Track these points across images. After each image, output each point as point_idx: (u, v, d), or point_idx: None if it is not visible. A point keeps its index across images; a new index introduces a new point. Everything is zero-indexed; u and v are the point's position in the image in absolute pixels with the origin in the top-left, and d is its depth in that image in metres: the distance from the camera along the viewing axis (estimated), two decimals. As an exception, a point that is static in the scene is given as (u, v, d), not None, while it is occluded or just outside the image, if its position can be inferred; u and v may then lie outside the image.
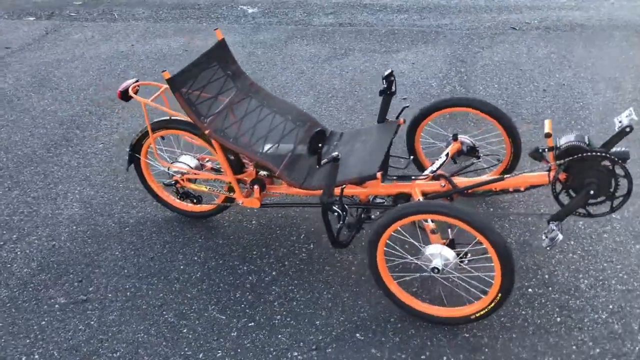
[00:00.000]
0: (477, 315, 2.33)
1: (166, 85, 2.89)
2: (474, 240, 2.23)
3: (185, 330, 2.52)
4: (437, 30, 5.37)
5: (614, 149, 2.30)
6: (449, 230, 2.38)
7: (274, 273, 2.79)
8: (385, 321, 2.49)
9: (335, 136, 2.95)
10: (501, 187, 2.58)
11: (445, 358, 2.31)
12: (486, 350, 2.32)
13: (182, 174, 2.95)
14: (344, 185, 2.57)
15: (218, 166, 3.02)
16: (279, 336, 2.46)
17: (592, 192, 2.31)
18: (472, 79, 4.37)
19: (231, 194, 2.93)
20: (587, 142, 2.34)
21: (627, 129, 2.26)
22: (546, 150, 2.44)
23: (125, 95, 2.85)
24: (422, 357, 2.32)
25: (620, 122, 2.31)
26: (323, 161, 2.44)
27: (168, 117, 2.85)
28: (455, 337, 2.38)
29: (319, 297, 2.64)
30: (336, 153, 2.37)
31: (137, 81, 2.90)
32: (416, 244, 2.47)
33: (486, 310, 2.29)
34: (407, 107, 3.03)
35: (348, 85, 4.47)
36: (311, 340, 2.43)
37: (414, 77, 4.50)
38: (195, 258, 2.92)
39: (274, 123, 2.85)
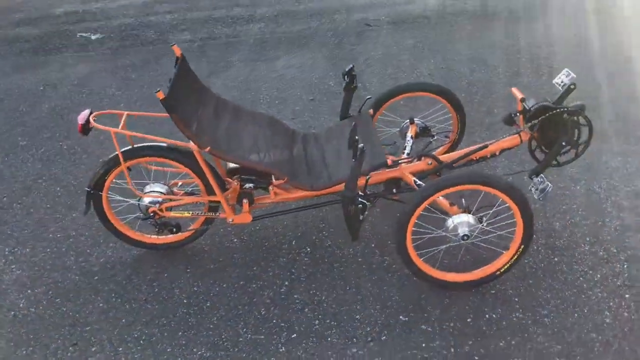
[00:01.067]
0: (502, 270, 2.56)
1: (127, 112, 2.69)
2: (483, 204, 2.46)
3: (231, 360, 2.39)
4: (301, 34, 5.57)
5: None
6: (462, 199, 2.58)
7: (286, 283, 2.74)
8: (418, 299, 2.61)
9: (309, 137, 2.98)
10: (481, 155, 2.85)
11: (486, 315, 2.50)
12: (515, 299, 2.57)
13: (159, 203, 2.74)
14: (368, 177, 2.63)
15: (191, 189, 2.86)
16: (329, 339, 2.45)
17: (564, 143, 2.68)
18: (363, 73, 4.64)
19: (217, 214, 2.81)
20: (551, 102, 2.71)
21: (572, 87, 2.67)
22: (517, 114, 2.76)
23: (86, 128, 2.57)
24: (468, 319, 2.50)
25: (561, 81, 2.71)
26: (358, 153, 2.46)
27: (138, 145, 2.64)
28: (484, 296, 2.59)
29: (344, 293, 2.66)
30: (361, 145, 2.43)
31: (91, 112, 2.63)
32: (437, 216, 2.63)
33: (510, 263, 2.54)
34: (369, 98, 3.16)
35: (248, 94, 4.46)
36: (362, 334, 2.46)
37: (309, 79, 4.64)
38: (195, 288, 2.74)
39: (255, 132, 2.80)
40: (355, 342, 2.43)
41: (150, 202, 2.74)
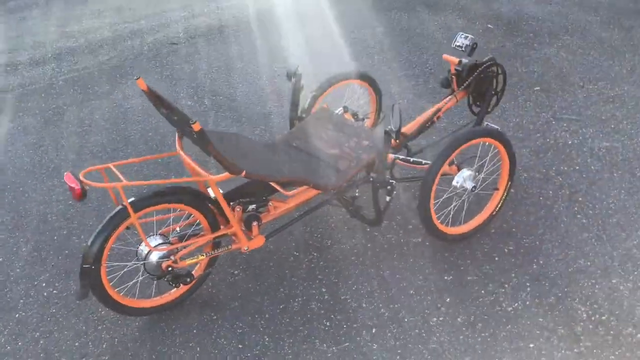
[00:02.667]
0: (497, 209, 2.92)
1: (113, 163, 2.33)
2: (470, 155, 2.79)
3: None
4: (113, 65, 5.13)
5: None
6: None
7: (323, 289, 2.68)
8: (455, 262, 2.81)
9: (285, 143, 2.91)
10: (433, 121, 3.15)
11: (505, 248, 2.84)
12: (517, 233, 2.95)
13: (172, 254, 2.42)
14: (395, 160, 2.70)
15: (192, 231, 2.58)
16: (410, 332, 2.49)
17: (492, 92, 3.14)
18: (222, 87, 4.54)
19: (229, 247, 2.59)
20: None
21: (475, 45, 3.15)
22: (452, 77, 3.13)
23: (83, 190, 2.15)
24: (495, 258, 2.80)
25: (460, 44, 3.16)
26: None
27: (145, 193, 2.30)
28: (491, 234, 2.92)
29: (385, 286, 2.72)
30: (389, 127, 2.50)
31: (71, 171, 2.21)
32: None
33: (503, 200, 2.91)
34: (314, 94, 3.19)
35: (117, 134, 4.01)
36: (441, 320, 2.53)
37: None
38: (225, 332, 2.50)
39: (256, 150, 2.65)
40: (441, 329, 2.50)
41: (160, 258, 2.40)
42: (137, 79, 2.35)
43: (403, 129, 3.04)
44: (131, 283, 2.62)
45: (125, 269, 2.67)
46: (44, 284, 2.80)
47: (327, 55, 4.99)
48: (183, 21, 6.03)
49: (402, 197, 3.23)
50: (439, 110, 3.08)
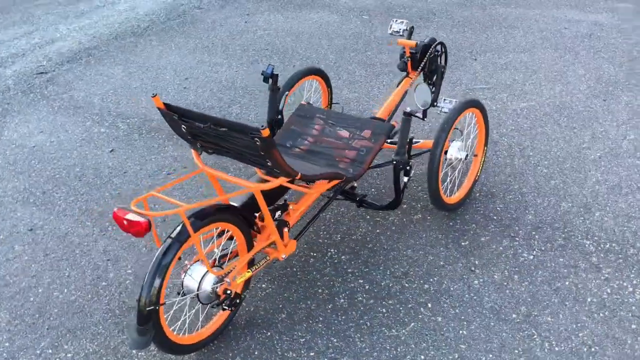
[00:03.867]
0: (478, 173, 3.14)
1: (154, 191, 2.11)
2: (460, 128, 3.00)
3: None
4: (32, 87, 4.46)
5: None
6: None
7: (357, 288, 2.66)
8: (463, 229, 2.96)
9: (284, 138, 2.82)
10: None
11: (496, 207, 3.07)
12: (498, 193, 3.20)
13: (226, 275, 2.25)
14: (412, 142, 2.74)
15: (222, 252, 2.41)
16: (462, 299, 2.60)
17: (442, 70, 3.37)
18: (130, 108, 4.19)
19: (268, 259, 2.47)
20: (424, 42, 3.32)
21: (412, 28, 3.38)
22: (407, 59, 3.29)
23: (150, 223, 1.93)
24: (493, 217, 3.01)
25: (399, 29, 3.38)
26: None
27: (201, 209, 2.12)
28: (478, 198, 3.14)
29: (415, 263, 2.78)
30: (408, 109, 2.55)
31: (120, 208, 1.96)
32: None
33: (482, 164, 3.14)
34: (287, 94, 3.13)
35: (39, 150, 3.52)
36: (482, 281, 2.66)
37: (80, 135, 3.92)
38: (288, 345, 2.39)
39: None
40: (467, 274, 2.65)
41: (214, 283, 2.21)
42: (153, 96, 2.13)
43: (378, 114, 3.13)
44: (181, 319, 2.35)
45: (176, 305, 2.40)
46: (50, 351, 2.39)
47: (210, 63, 4.87)
48: (38, 49, 5.44)
49: (379, 182, 3.31)
50: (405, 92, 3.22)
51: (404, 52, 3.29)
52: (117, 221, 1.94)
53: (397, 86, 3.28)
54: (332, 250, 2.85)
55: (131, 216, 1.90)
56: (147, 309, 2.00)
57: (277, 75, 2.95)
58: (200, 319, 2.44)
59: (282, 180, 2.23)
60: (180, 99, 4.31)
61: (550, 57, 4.69)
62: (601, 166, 3.34)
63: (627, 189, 3.15)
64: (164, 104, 2.11)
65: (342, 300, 2.57)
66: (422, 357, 2.29)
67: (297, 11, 5.88)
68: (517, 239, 2.86)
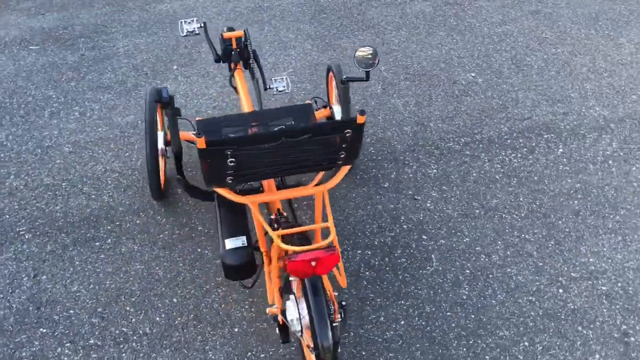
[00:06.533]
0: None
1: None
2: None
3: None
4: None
5: None
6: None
7: (398, 269, 2.54)
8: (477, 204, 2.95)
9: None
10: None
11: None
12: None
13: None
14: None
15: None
16: (508, 251, 2.58)
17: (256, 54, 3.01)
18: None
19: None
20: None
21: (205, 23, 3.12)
22: (235, 51, 2.92)
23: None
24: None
25: (192, 30, 3.02)
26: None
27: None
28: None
29: (442, 225, 2.71)
30: (344, 77, 2.62)
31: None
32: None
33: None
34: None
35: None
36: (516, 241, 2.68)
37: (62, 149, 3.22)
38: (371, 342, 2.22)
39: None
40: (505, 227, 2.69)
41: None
42: (198, 136, 1.68)
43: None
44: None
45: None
46: None
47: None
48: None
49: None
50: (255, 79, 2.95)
51: (230, 45, 2.96)
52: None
53: (232, 81, 3.03)
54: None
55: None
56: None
57: (172, 97, 2.53)
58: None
59: (346, 169, 2.01)
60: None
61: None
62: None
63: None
64: (210, 140, 1.69)
65: (396, 288, 2.42)
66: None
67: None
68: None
